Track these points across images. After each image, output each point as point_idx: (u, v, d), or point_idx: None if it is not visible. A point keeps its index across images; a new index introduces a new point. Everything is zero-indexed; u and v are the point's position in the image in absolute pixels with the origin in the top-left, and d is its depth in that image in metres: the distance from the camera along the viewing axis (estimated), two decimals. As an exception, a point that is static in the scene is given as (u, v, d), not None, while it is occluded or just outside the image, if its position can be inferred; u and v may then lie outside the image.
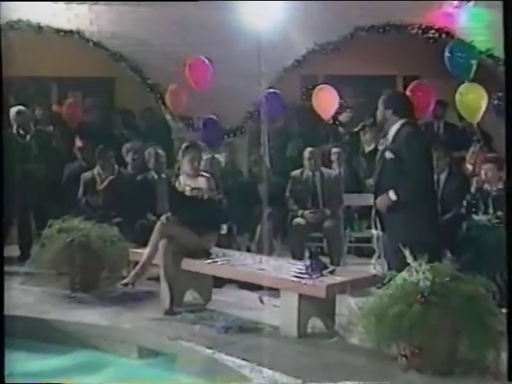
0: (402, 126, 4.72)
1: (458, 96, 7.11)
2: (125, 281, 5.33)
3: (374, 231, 5.31)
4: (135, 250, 5.74)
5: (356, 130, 4.95)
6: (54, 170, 7.37)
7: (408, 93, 7.13)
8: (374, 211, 4.97)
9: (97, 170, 7.02)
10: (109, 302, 5.56)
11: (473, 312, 3.76)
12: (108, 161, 7.02)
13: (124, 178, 7.05)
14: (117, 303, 5.50)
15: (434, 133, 8.16)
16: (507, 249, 3.37)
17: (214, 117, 7.64)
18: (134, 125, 9.07)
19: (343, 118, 8.29)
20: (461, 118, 8.37)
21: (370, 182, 6.60)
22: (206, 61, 7.86)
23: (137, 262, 5.50)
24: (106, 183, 6.96)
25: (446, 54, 7.06)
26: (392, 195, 4.63)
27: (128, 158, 7.44)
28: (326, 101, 8.16)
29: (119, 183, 6.95)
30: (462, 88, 7.10)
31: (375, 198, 4.88)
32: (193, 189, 5.46)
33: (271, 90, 8.01)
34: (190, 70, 7.83)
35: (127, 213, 6.70)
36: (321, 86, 8.37)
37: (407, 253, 3.99)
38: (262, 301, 5.57)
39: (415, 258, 3.97)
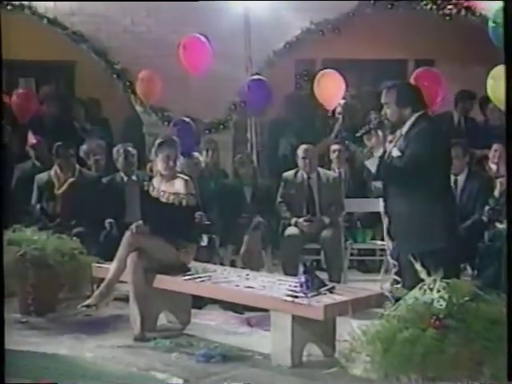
0: (417, 120, 4.75)
1: (490, 81, 7.04)
2: (87, 302, 5.30)
3: (380, 242, 5.33)
4: (100, 266, 5.73)
5: (359, 134, 4.92)
6: (1, 172, 7.31)
7: (412, 81, 7.15)
8: (385, 221, 4.99)
9: (54, 170, 6.99)
10: (68, 327, 5.54)
11: (497, 338, 3.77)
12: (67, 160, 6.99)
13: (87, 181, 7.02)
14: (78, 329, 5.47)
15: (452, 126, 8.19)
16: (508, 249, 3.41)
17: (187, 119, 7.61)
18: (99, 118, 9.05)
19: (341, 110, 8.30)
20: (483, 110, 8.42)
21: (376, 184, 6.61)
22: (203, 39, 7.76)
23: (101, 280, 5.48)
24: (64, 187, 6.93)
25: (491, 23, 7.02)
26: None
27: (90, 161, 7.44)
28: (331, 88, 8.14)
29: (81, 186, 6.92)
30: (495, 71, 7.06)
31: (385, 205, 4.91)
32: (168, 193, 5.46)
33: (255, 77, 7.99)
34: (185, 52, 7.70)
35: (90, 221, 6.69)
36: (325, 70, 8.34)
37: (419, 266, 4.00)
38: (249, 324, 5.58)
39: (429, 274, 3.98)
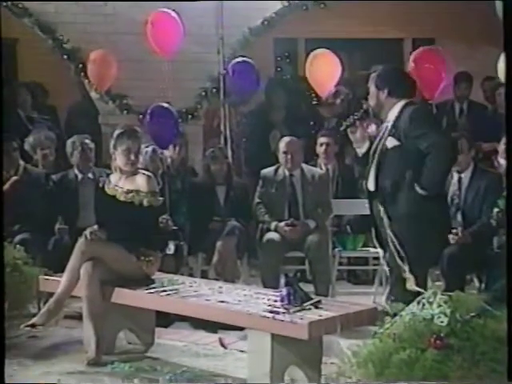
0: (404, 107, 4.82)
1: (501, 64, 7.11)
2: (33, 320, 5.28)
3: (373, 249, 5.35)
4: (48, 278, 5.72)
5: (343, 128, 4.97)
6: None
7: (411, 63, 7.22)
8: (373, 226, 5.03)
9: (-6, 167, 6.97)
10: (9, 351, 5.45)
11: (507, 359, 3.80)
12: (10, 155, 6.96)
13: (32, 179, 7.00)
14: (21, 353, 5.44)
15: (453, 117, 8.25)
16: (507, 249, 3.47)
17: (166, 104, 7.59)
18: (46, 105, 9.01)
19: (332, 98, 8.34)
20: (490, 96, 8.50)
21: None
22: (174, 14, 7.74)
23: (50, 295, 5.47)
24: (6, 186, 6.90)
25: None
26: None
27: (36, 156, 7.41)
28: (326, 71, 8.14)
29: (25, 186, 6.89)
30: None
31: (370, 208, 4.95)
32: (128, 192, 5.45)
33: (240, 59, 7.97)
34: (154, 30, 7.66)
35: (37, 227, 6.66)
36: (318, 50, 8.34)
37: (407, 273, 4.03)
38: (222, 344, 5.60)
39: (417, 284, 4.01)
